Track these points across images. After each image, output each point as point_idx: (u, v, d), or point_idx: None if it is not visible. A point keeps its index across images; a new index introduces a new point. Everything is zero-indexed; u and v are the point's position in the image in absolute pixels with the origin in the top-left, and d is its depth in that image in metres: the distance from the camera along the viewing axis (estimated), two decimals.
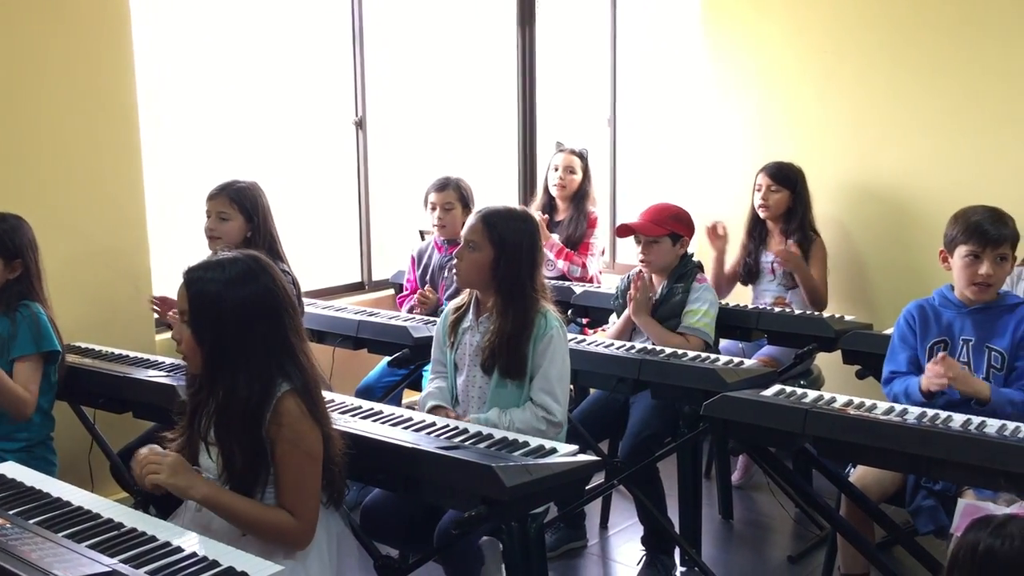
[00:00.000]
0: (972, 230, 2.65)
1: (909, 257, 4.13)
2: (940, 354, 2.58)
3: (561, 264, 4.38)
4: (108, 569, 1.54)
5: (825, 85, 4.37)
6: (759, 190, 3.99)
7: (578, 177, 4.44)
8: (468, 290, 2.74)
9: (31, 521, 1.77)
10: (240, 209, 3.20)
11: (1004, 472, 2.05)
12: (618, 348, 3.12)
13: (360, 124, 4.55)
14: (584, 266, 4.39)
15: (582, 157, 4.46)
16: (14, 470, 2.06)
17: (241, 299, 1.94)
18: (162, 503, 3.10)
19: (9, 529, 1.71)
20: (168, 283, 3.51)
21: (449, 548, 2.51)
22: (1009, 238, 2.64)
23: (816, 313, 3.63)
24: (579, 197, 4.45)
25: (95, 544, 1.67)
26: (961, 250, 2.67)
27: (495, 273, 2.58)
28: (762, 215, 4.01)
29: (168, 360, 2.99)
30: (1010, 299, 2.71)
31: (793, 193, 3.95)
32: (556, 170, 4.47)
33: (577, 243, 4.42)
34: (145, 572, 1.56)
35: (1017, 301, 2.72)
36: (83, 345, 3.22)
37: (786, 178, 3.95)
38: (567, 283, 4.21)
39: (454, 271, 2.67)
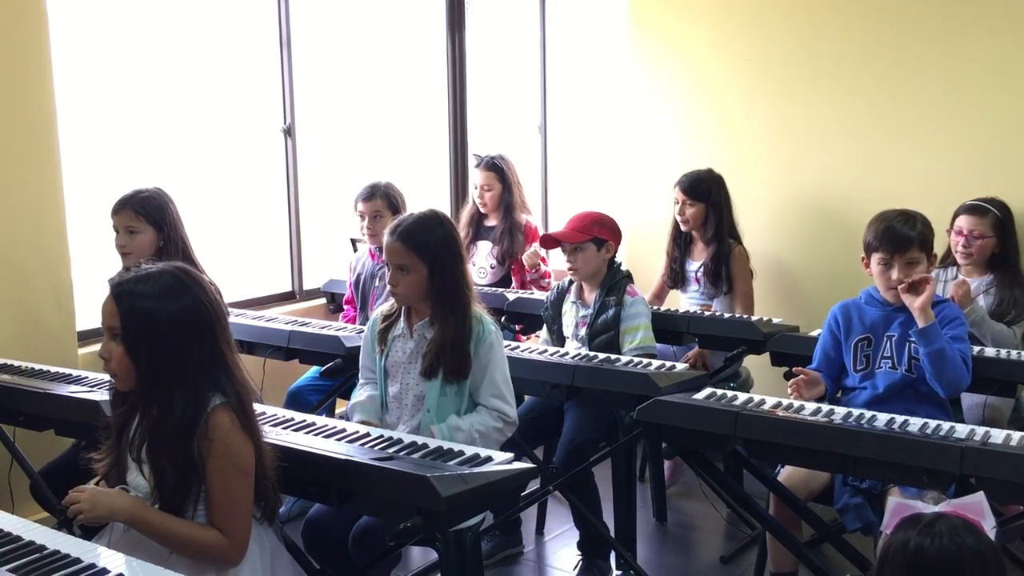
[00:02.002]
0: (881, 237, 2.75)
1: (834, 260, 4.24)
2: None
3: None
4: None
5: (750, 92, 4.46)
6: (677, 204, 4.06)
7: (496, 190, 4.39)
8: None
9: None
10: (148, 220, 3.13)
11: (926, 469, 2.12)
12: (552, 354, 3.13)
13: (289, 131, 4.49)
14: (549, 275, 4.38)
15: (497, 169, 4.39)
16: None
17: (175, 312, 1.90)
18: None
19: None
20: (90, 296, 3.41)
21: (375, 559, 2.48)
22: (916, 242, 2.72)
23: (745, 316, 3.69)
24: (506, 208, 4.39)
25: (16, 568, 1.61)
26: (875, 257, 2.78)
27: (432, 286, 2.58)
28: (683, 228, 4.08)
29: (91, 375, 2.90)
30: (935, 298, 2.80)
31: (708, 204, 4.00)
32: (475, 188, 4.46)
33: (515, 256, 4.40)
34: None
35: (938, 300, 2.82)
36: (1, 361, 3.11)
37: (699, 191, 4.00)
38: (499, 290, 4.21)
39: (391, 294, 2.65)
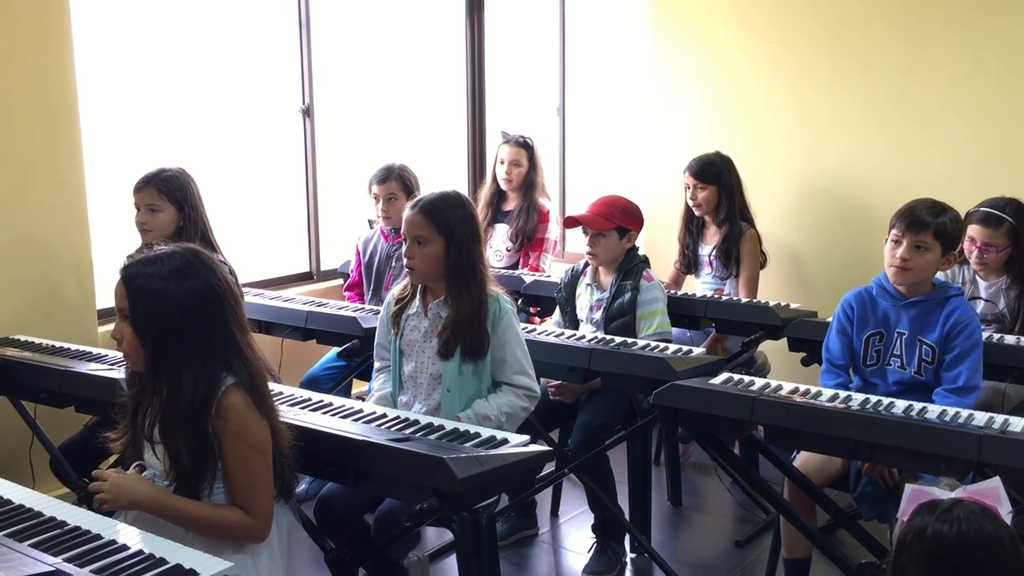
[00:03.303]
0: (901, 214, 2.72)
1: (851, 247, 4.21)
2: None
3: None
4: (51, 568, 1.51)
5: (771, 76, 4.43)
6: (688, 189, 4.03)
7: (524, 168, 4.39)
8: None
9: None
10: (170, 199, 3.16)
11: (943, 457, 2.11)
12: (568, 337, 3.13)
13: (307, 112, 4.49)
14: (539, 268, 4.36)
15: (527, 147, 4.40)
16: None
17: (183, 294, 1.90)
18: None
19: None
20: (110, 274, 3.43)
21: (393, 540, 2.50)
22: (931, 227, 2.66)
23: (763, 301, 3.68)
24: (527, 187, 4.40)
25: (37, 543, 1.63)
26: (891, 233, 2.74)
27: (447, 261, 2.59)
28: (697, 213, 4.06)
29: (111, 353, 2.93)
30: (944, 291, 2.76)
31: (719, 186, 3.97)
32: (502, 163, 4.43)
33: (529, 236, 4.39)
34: (90, 571, 1.52)
35: (951, 293, 2.76)
36: (22, 338, 3.14)
37: (709, 174, 3.97)
38: (516, 272, 4.21)
39: (406, 268, 2.66)
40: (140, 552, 1.60)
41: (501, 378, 2.63)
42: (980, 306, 3.36)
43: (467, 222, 2.61)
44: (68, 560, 1.56)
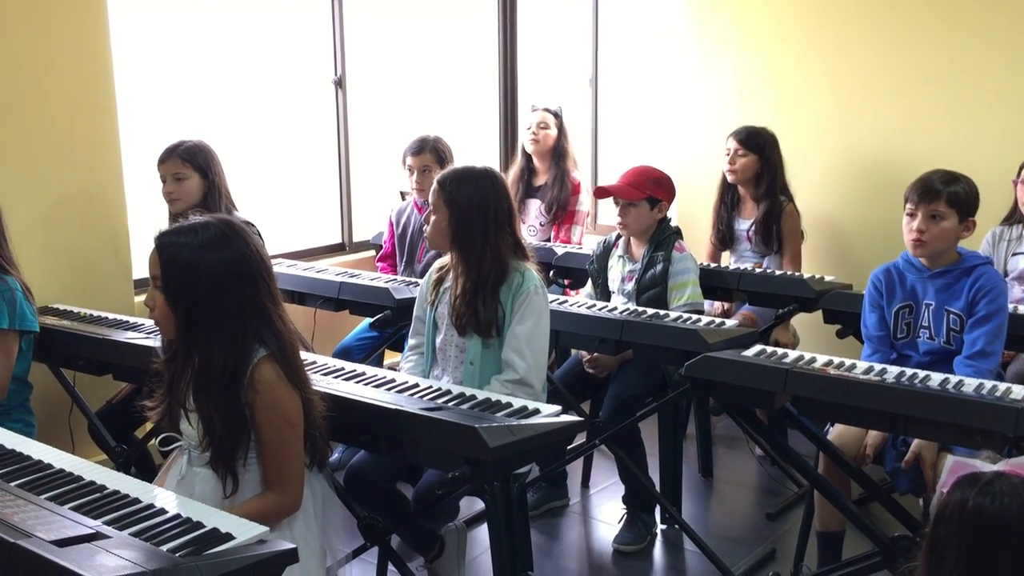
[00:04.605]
0: (914, 187, 2.70)
1: (887, 219, 4.12)
2: None
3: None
4: (92, 531, 1.53)
5: (805, 47, 4.36)
6: (728, 154, 3.97)
7: (552, 132, 4.37)
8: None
9: (12, 484, 1.76)
10: (194, 167, 3.22)
11: (980, 430, 2.08)
12: (600, 309, 3.12)
13: (340, 83, 4.49)
14: (569, 240, 4.35)
15: (555, 115, 4.39)
16: None
17: (214, 264, 1.91)
18: (144, 465, 3.10)
19: None
20: (146, 245, 3.47)
21: (427, 511, 2.52)
22: (944, 196, 2.63)
23: (797, 274, 3.64)
24: (557, 155, 4.38)
25: (78, 506, 1.66)
26: (906, 207, 2.72)
27: (451, 234, 2.60)
28: (730, 179, 4.00)
29: (147, 322, 2.96)
30: (970, 260, 2.72)
31: (761, 158, 3.91)
32: (529, 128, 4.41)
33: (563, 207, 4.37)
34: (129, 534, 1.54)
35: (976, 262, 2.72)
36: (61, 307, 3.19)
37: (755, 143, 3.92)
38: (548, 244, 4.20)
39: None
40: (178, 516, 1.62)
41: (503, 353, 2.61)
42: (1023, 264, 3.31)
43: (473, 196, 2.57)
44: (108, 523, 1.58)
